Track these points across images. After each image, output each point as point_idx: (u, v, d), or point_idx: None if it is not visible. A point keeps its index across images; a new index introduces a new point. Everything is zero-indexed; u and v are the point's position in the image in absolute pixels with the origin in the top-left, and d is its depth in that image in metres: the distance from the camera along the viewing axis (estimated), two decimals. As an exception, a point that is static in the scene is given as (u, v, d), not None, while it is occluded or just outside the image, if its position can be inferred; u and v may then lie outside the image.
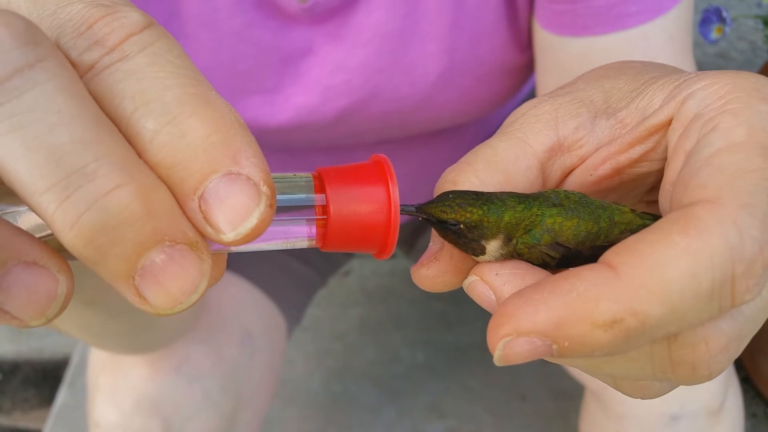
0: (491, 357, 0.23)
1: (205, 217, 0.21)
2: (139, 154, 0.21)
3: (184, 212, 0.21)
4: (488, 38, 0.61)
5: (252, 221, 0.21)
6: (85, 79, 0.22)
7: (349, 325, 1.27)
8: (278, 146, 0.71)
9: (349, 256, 1.02)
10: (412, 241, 0.99)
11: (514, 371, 1.17)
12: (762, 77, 0.26)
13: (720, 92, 0.25)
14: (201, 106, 0.21)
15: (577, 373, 0.76)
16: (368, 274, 1.33)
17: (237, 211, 0.21)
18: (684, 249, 0.21)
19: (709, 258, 0.21)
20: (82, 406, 0.76)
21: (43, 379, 1.38)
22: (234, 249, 0.25)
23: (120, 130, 0.21)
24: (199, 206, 0.21)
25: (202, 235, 0.22)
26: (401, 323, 1.26)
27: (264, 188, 0.21)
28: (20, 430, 1.34)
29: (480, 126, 0.80)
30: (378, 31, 0.59)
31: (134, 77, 0.22)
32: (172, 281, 0.21)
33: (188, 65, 0.22)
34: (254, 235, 0.22)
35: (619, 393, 0.28)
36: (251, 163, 0.21)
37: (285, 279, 0.86)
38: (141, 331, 0.59)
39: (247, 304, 0.79)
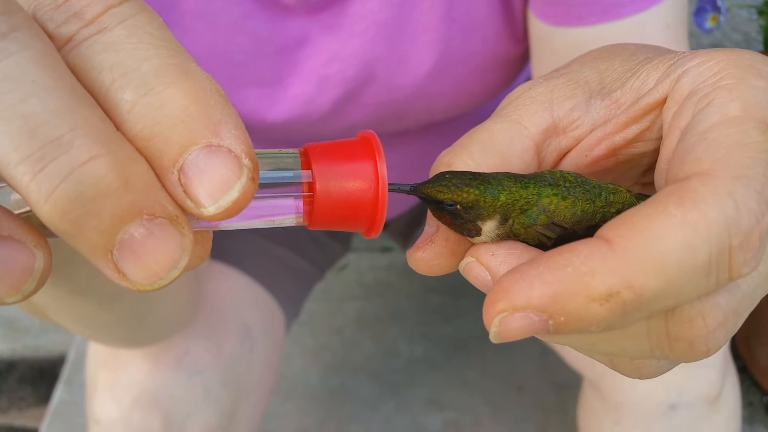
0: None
1: (184, 190, 0.21)
2: (117, 127, 0.21)
3: (164, 185, 0.21)
4: (481, 29, 0.61)
5: (233, 194, 0.21)
6: (63, 52, 0.22)
7: (346, 319, 1.27)
8: (277, 140, 0.71)
9: (346, 249, 1.01)
10: (408, 234, 0.99)
11: (512, 362, 1.17)
12: (756, 54, 0.26)
13: (714, 69, 0.25)
14: (180, 77, 0.21)
15: (574, 362, 0.77)
16: (365, 267, 1.33)
17: (217, 184, 0.21)
18: (680, 221, 0.21)
19: (706, 229, 0.21)
20: (79, 404, 0.76)
21: (40, 377, 1.37)
22: (218, 225, 0.24)
23: (98, 103, 0.21)
24: (179, 179, 0.21)
25: (183, 209, 0.21)
26: (399, 317, 1.26)
27: (246, 161, 0.21)
28: (17, 428, 1.34)
29: (475, 118, 0.79)
30: (373, 21, 0.59)
31: (113, 49, 0.21)
32: (152, 256, 0.21)
33: (168, 37, 0.22)
34: (236, 209, 0.21)
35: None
36: (232, 135, 0.21)
37: (283, 273, 0.86)
38: (136, 323, 0.59)
39: (246, 298, 0.79)
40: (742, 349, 1.12)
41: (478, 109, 0.75)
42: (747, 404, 1.09)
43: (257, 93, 0.62)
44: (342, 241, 0.99)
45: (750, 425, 1.08)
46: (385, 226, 1.09)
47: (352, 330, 1.25)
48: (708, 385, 0.69)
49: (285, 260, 0.87)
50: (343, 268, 1.33)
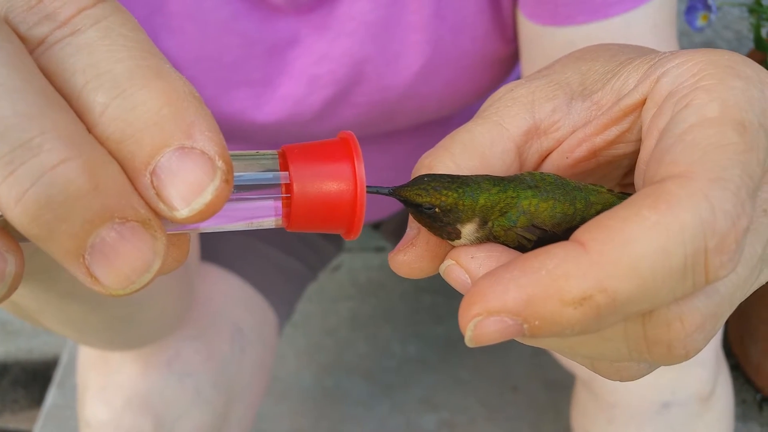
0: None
1: (157, 193, 0.21)
2: (90, 129, 0.21)
3: (136, 188, 0.21)
4: (471, 28, 0.61)
5: (206, 197, 0.21)
6: (36, 54, 0.21)
7: (340, 320, 1.27)
8: (266, 142, 0.71)
9: (339, 249, 1.01)
10: (401, 233, 0.99)
11: (505, 362, 1.17)
12: (735, 54, 0.25)
13: (693, 69, 0.25)
14: (152, 79, 0.21)
15: (567, 362, 0.77)
16: (358, 268, 1.33)
17: (190, 186, 0.21)
18: (654, 224, 0.21)
19: (680, 233, 0.21)
20: (72, 407, 0.75)
21: (33, 379, 1.37)
22: (194, 228, 0.24)
23: (71, 106, 0.21)
24: (151, 182, 0.21)
25: (156, 212, 0.21)
26: (392, 317, 1.26)
27: (219, 163, 0.21)
28: (10, 431, 1.33)
29: (464, 118, 0.79)
30: (362, 21, 0.59)
31: (85, 51, 0.21)
32: (123, 260, 0.20)
33: (142, 39, 0.22)
34: (209, 211, 0.21)
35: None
36: (205, 137, 0.21)
37: (275, 274, 0.86)
38: (125, 326, 0.59)
39: (238, 300, 0.78)
40: (735, 347, 1.12)
41: (469, 109, 0.75)
42: (740, 402, 1.09)
43: (246, 94, 0.62)
44: (335, 241, 0.99)
45: (743, 423, 1.08)
46: (378, 225, 1.09)
47: (345, 330, 1.25)
48: (700, 384, 0.69)
49: (277, 261, 0.87)
50: (337, 268, 1.33)
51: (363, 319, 1.26)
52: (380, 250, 1.35)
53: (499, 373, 1.16)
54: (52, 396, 1.18)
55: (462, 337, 0.23)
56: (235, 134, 0.67)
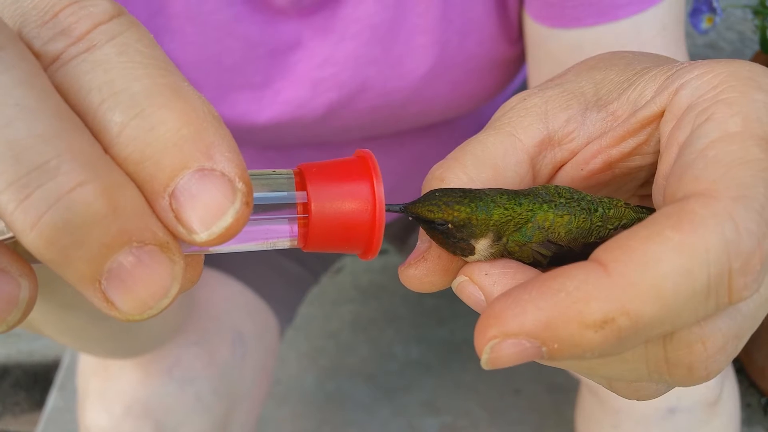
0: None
1: (176, 216, 0.20)
2: (106, 149, 0.20)
3: (154, 211, 0.20)
4: (477, 31, 0.61)
5: (227, 220, 0.20)
6: (50, 71, 0.21)
7: (341, 323, 1.26)
8: (267, 143, 0.70)
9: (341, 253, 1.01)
10: (404, 237, 0.98)
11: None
12: (757, 65, 0.25)
13: (713, 82, 0.24)
14: (171, 98, 0.20)
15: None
16: (360, 271, 1.32)
17: (210, 210, 0.20)
18: (678, 245, 0.20)
19: (704, 253, 0.20)
20: (73, 410, 0.75)
21: (34, 382, 1.36)
22: (210, 250, 0.24)
23: (87, 124, 0.20)
24: (170, 204, 0.20)
25: (174, 235, 0.21)
26: (394, 320, 1.26)
27: (239, 185, 0.20)
28: (11, 434, 1.33)
29: (471, 120, 0.79)
30: (366, 23, 0.58)
31: (102, 68, 0.20)
32: (141, 285, 0.20)
33: (159, 55, 0.21)
34: (229, 235, 0.20)
35: None
36: (225, 158, 0.20)
37: (276, 278, 0.85)
38: (125, 335, 0.58)
39: (238, 305, 0.78)
40: (740, 351, 1.11)
41: (475, 112, 0.74)
42: (745, 406, 1.09)
43: (248, 96, 0.62)
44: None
45: (749, 427, 1.08)
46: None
47: (347, 334, 1.25)
48: (707, 389, 0.68)
49: (278, 266, 0.86)
50: (339, 271, 1.32)
51: (365, 322, 1.26)
52: (382, 252, 1.34)
53: (502, 377, 1.16)
54: (53, 399, 1.18)
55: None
56: (235, 137, 0.66)
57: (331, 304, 1.28)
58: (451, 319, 1.24)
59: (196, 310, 0.72)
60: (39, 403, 1.30)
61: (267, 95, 0.62)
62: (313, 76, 0.61)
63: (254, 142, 0.70)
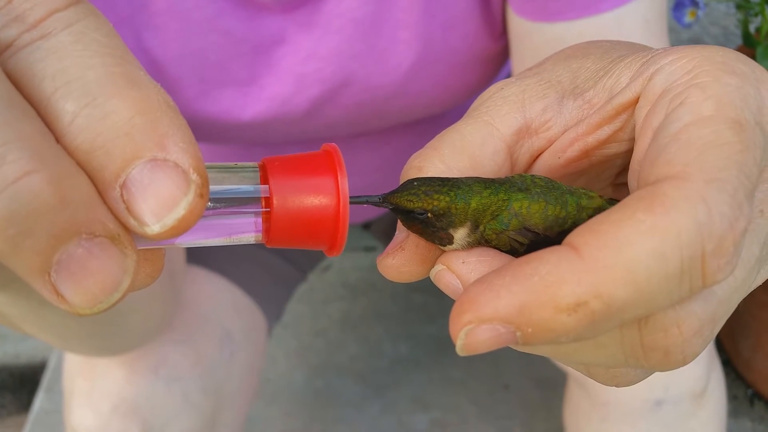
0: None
1: (127, 208, 0.20)
2: (58, 139, 0.20)
3: (105, 202, 0.20)
4: (461, 26, 0.61)
5: (179, 212, 0.20)
6: (3, 58, 0.20)
7: (330, 321, 1.26)
8: (254, 140, 0.70)
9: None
10: (391, 233, 0.98)
11: (496, 361, 1.17)
12: (730, 50, 0.25)
13: (687, 66, 0.24)
14: (125, 87, 0.20)
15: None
16: (349, 268, 1.32)
17: (162, 201, 0.20)
18: (650, 227, 0.20)
19: (677, 236, 0.20)
20: (60, 411, 0.74)
21: (20, 384, 1.35)
22: (168, 244, 0.23)
23: (39, 113, 0.20)
24: (121, 195, 0.20)
25: (126, 227, 0.20)
26: (383, 317, 1.26)
27: (194, 176, 0.20)
28: (-2, 437, 1.32)
29: (455, 116, 0.79)
30: (349, 18, 0.58)
31: (55, 56, 0.20)
32: (91, 278, 0.20)
33: (117, 44, 0.21)
34: (182, 227, 0.20)
35: None
36: (179, 149, 0.20)
37: (264, 276, 0.85)
38: (107, 332, 0.58)
39: (226, 303, 0.78)
40: (726, 343, 1.12)
41: (460, 107, 0.74)
42: (732, 398, 1.09)
43: (232, 93, 0.61)
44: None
45: (735, 418, 1.08)
46: (368, 225, 1.08)
47: (336, 331, 1.24)
48: (694, 381, 0.69)
49: (266, 263, 0.86)
50: (326, 268, 1.32)
51: (354, 320, 1.26)
52: (370, 249, 1.34)
53: (491, 372, 1.16)
54: (40, 401, 1.17)
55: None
56: (221, 134, 0.66)
57: (320, 302, 1.28)
58: (440, 316, 1.24)
59: (182, 308, 0.72)
60: (26, 405, 1.29)
61: (252, 91, 0.62)
62: (297, 71, 0.61)
63: (241, 139, 0.69)
